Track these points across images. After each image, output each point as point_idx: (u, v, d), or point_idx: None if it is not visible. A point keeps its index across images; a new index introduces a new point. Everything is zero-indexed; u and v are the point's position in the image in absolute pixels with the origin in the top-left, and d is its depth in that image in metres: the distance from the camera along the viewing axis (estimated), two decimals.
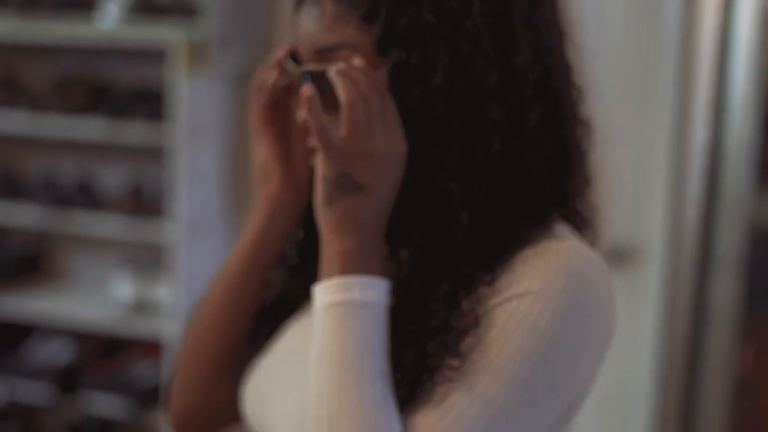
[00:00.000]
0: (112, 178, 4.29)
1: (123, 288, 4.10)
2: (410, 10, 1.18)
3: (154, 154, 4.09)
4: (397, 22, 1.19)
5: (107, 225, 4.04)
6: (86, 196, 4.16)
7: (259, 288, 1.43)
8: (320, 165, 1.19)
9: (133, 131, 3.91)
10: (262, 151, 1.38)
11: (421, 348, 1.15)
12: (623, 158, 3.47)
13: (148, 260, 4.21)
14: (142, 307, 4.09)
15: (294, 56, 1.29)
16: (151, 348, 4.18)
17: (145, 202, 4.08)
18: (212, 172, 4.08)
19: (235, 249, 1.43)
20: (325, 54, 1.22)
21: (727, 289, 3.74)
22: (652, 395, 3.66)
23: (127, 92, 4.10)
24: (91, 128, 3.96)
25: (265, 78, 1.33)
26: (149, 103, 3.97)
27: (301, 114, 1.30)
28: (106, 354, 4.28)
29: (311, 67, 1.23)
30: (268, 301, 1.45)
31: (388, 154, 1.18)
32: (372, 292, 1.16)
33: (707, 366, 3.78)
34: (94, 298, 4.30)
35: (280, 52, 1.31)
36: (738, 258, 3.74)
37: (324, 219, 1.19)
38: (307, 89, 1.17)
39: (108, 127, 3.93)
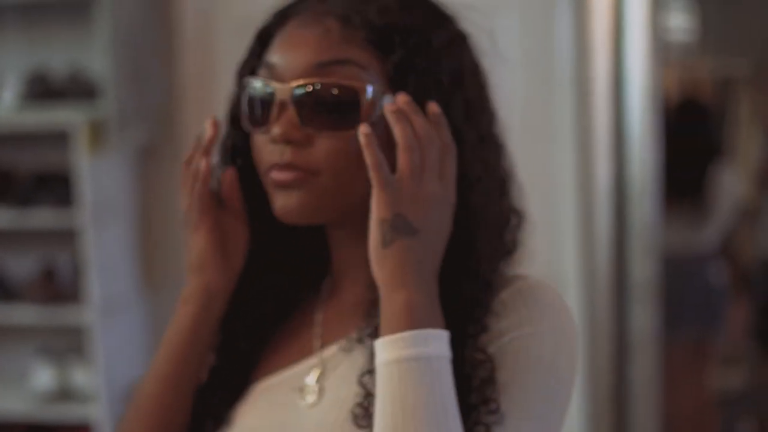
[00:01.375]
0: (23, 265, 4.23)
1: (43, 376, 4.04)
2: (425, 48, 1.23)
3: (63, 237, 4.04)
4: (414, 52, 1.22)
5: (21, 314, 4.00)
6: None
7: (195, 375, 1.37)
8: (375, 206, 1.17)
9: (40, 216, 3.88)
10: (199, 240, 1.34)
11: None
12: (532, 198, 3.49)
13: (66, 346, 4.16)
14: (64, 393, 4.03)
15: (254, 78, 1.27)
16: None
17: (58, 287, 4.04)
18: (123, 251, 4.05)
19: (166, 337, 1.36)
20: (326, 68, 1.21)
21: (644, 317, 3.79)
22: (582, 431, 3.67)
23: (31, 177, 4.06)
24: None
25: (199, 165, 1.31)
26: (54, 186, 3.94)
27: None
28: None
29: (306, 83, 1.21)
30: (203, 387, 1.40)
31: (441, 200, 1.18)
32: (443, 345, 1.14)
33: (634, 396, 3.82)
34: (14, 388, 4.23)
35: (209, 133, 1.32)
36: (651, 286, 3.79)
37: (381, 263, 1.16)
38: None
39: (14, 215, 3.90)
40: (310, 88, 1.20)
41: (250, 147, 1.29)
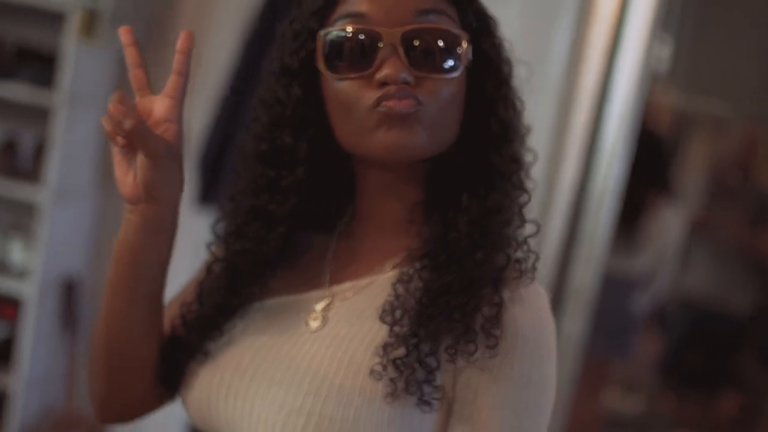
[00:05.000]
0: None
1: None
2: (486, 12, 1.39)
3: (33, 116, 4.07)
4: (481, 12, 1.39)
5: None
6: None
7: (149, 280, 1.39)
8: None
9: (15, 89, 3.89)
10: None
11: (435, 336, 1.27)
12: None
13: (12, 221, 4.19)
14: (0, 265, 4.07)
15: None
16: (3, 306, 4.14)
17: (17, 162, 4.06)
18: (88, 142, 4.08)
19: (115, 243, 1.37)
20: (426, 15, 1.29)
21: (573, 325, 3.89)
22: None
23: (14, 50, 4.07)
24: None
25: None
26: (34, 63, 3.95)
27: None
28: None
29: (415, 27, 1.29)
30: (209, 303, 1.44)
31: None
32: None
33: None
34: None
35: (182, 45, 1.33)
36: (588, 297, 3.88)
37: None
38: None
39: None
40: (418, 33, 1.28)
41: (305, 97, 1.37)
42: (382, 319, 1.29)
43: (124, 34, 1.32)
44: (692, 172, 7.12)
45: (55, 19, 3.89)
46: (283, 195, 1.39)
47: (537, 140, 3.56)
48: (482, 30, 1.36)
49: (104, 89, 4.05)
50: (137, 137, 1.23)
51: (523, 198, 1.38)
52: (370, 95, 1.28)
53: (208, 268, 1.47)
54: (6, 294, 4.04)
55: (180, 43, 1.32)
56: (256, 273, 1.43)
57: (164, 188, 1.30)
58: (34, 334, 3.99)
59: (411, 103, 1.27)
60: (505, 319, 1.27)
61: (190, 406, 1.42)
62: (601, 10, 3.73)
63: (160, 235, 1.35)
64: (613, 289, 4.91)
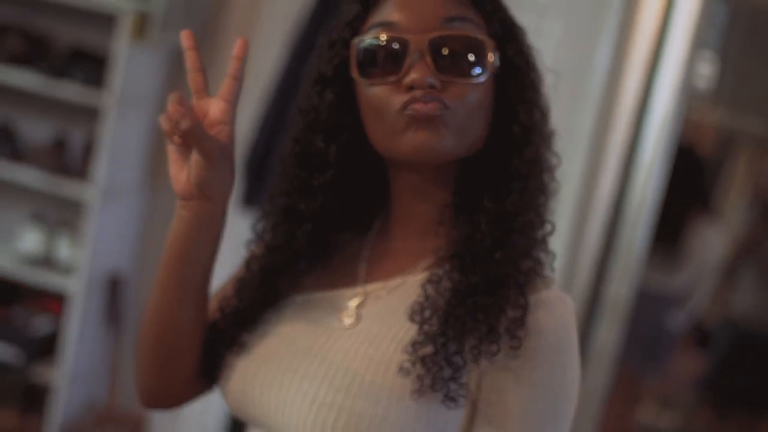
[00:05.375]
0: (37, 132, 4.34)
1: (31, 239, 4.15)
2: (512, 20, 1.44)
3: (83, 115, 4.16)
4: (508, 19, 1.43)
5: (24, 175, 4.10)
6: (8, 144, 4.21)
7: (196, 276, 1.45)
8: None
9: (67, 89, 3.98)
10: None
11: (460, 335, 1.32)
12: None
13: (60, 216, 4.28)
14: (46, 260, 4.16)
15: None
16: (50, 302, 4.24)
17: (66, 160, 4.15)
18: (137, 142, 4.17)
19: (166, 241, 1.43)
20: (452, 23, 1.36)
21: (608, 335, 3.90)
22: None
23: (67, 50, 4.17)
24: (24, 79, 4.02)
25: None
26: (86, 64, 4.04)
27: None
28: (3, 301, 4.32)
29: (442, 33, 1.35)
30: (245, 296, 1.50)
31: None
32: None
33: (579, 407, 3.95)
34: (2, 245, 4.36)
35: (238, 51, 1.38)
36: (623, 308, 3.90)
37: None
38: None
39: (43, 81, 3.99)
40: (444, 39, 1.35)
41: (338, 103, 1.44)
42: (411, 319, 1.34)
43: (185, 38, 1.37)
44: (736, 190, 7.07)
45: (107, 22, 4.00)
46: (312, 195, 1.45)
47: (576, 152, 3.65)
48: (508, 37, 1.41)
49: (154, 90, 4.14)
50: (193, 137, 1.30)
51: (544, 201, 1.43)
52: (399, 99, 1.34)
53: (246, 264, 1.54)
54: (52, 289, 4.14)
55: (236, 50, 1.38)
56: (289, 268, 1.49)
57: (216, 187, 1.36)
58: (79, 329, 4.09)
59: (437, 106, 1.33)
60: (529, 322, 1.32)
61: (228, 396, 1.48)
62: (643, 26, 3.76)
63: (209, 231, 1.41)
64: (651, 306, 4.90)
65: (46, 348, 4.16)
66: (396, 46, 1.35)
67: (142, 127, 4.18)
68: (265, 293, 1.50)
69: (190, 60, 1.37)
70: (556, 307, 1.36)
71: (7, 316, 4.21)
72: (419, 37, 1.34)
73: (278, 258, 1.49)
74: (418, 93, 1.33)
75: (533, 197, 1.40)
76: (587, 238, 3.78)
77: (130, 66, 3.92)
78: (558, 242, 3.71)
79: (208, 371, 1.53)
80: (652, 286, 4.89)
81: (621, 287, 3.92)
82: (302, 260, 1.50)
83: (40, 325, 4.18)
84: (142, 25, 3.89)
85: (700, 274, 5.10)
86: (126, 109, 3.98)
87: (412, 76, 1.33)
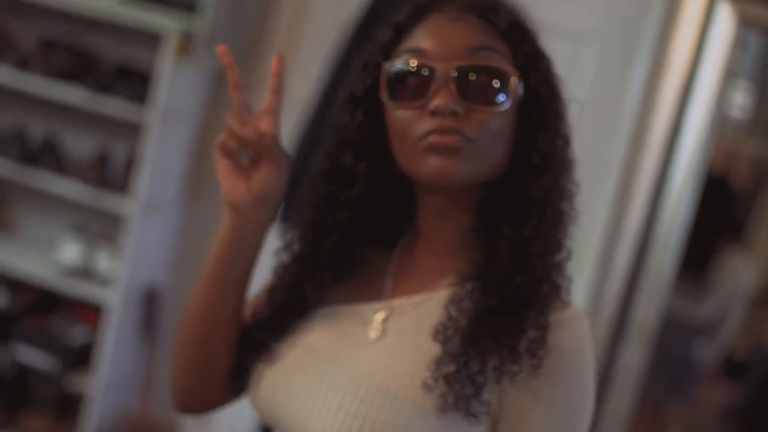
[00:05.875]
0: (81, 145, 4.45)
1: (70, 250, 4.25)
2: (540, 49, 1.50)
3: (127, 130, 4.26)
4: (536, 49, 1.48)
5: (67, 188, 4.20)
6: (52, 156, 4.31)
7: (237, 282, 1.54)
8: None
9: (112, 104, 4.08)
10: (221, 181, 1.47)
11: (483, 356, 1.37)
12: None
13: (100, 229, 4.38)
14: (85, 271, 4.25)
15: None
16: (87, 312, 4.34)
17: (108, 174, 4.25)
18: (177, 158, 4.27)
19: (210, 249, 1.53)
20: (478, 52, 1.42)
21: (633, 358, 3.94)
22: None
23: (113, 67, 4.28)
24: (70, 94, 4.12)
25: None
26: (132, 81, 4.15)
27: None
28: (42, 310, 4.42)
29: (468, 63, 1.42)
30: (274, 304, 1.57)
31: None
32: None
33: (602, 429, 3.98)
34: (41, 253, 4.46)
35: (274, 67, 1.47)
36: (649, 332, 3.93)
37: None
38: None
39: (89, 97, 4.10)
40: (469, 69, 1.41)
41: (368, 123, 1.51)
42: (434, 338, 1.40)
43: (222, 54, 1.45)
44: None
45: (153, 40, 4.10)
46: (339, 209, 1.52)
47: (608, 178, 3.70)
48: (533, 67, 1.46)
49: (196, 107, 4.23)
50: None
51: (562, 227, 1.47)
52: (422, 125, 1.41)
53: (275, 272, 1.60)
54: (90, 300, 4.23)
55: (273, 66, 1.46)
56: (315, 279, 1.55)
57: (276, 196, 1.47)
58: (115, 340, 4.18)
59: (454, 139, 1.39)
60: (551, 343, 1.37)
61: (257, 404, 1.53)
62: (676, 55, 3.81)
63: (255, 237, 1.50)
64: (678, 334, 4.93)
65: (82, 357, 4.25)
66: (424, 72, 1.42)
67: (183, 143, 4.27)
68: (293, 302, 1.56)
69: (231, 78, 1.45)
70: (574, 326, 1.41)
71: (45, 325, 4.29)
72: (446, 65, 1.41)
73: (304, 268, 1.55)
74: (438, 122, 1.39)
75: (551, 224, 1.44)
76: (616, 263, 3.82)
77: (174, 83, 4.02)
78: (587, 266, 3.78)
79: (239, 376, 1.58)
80: (679, 314, 4.90)
81: (648, 312, 3.96)
82: (328, 271, 1.55)
83: (77, 334, 4.27)
84: (187, 44, 3.99)
85: (728, 304, 5.10)
86: (168, 126, 4.08)
87: (436, 102, 1.39)
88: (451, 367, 1.35)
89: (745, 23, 4.03)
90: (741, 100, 7.02)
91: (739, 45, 4.08)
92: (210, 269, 1.52)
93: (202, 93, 4.26)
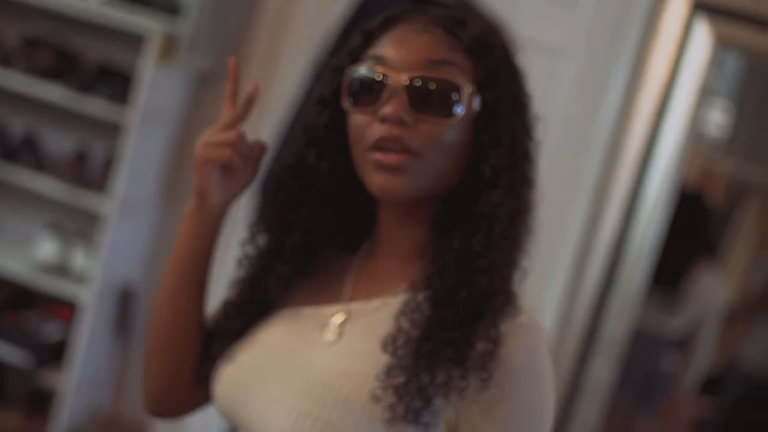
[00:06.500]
0: (61, 143, 4.47)
1: (47, 247, 4.26)
2: (507, 66, 1.50)
3: (106, 130, 4.28)
4: (500, 65, 1.49)
5: (45, 185, 4.22)
6: (31, 154, 4.33)
7: (198, 282, 1.59)
8: None
9: (92, 104, 4.10)
10: (204, 174, 1.53)
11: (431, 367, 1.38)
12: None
13: (77, 227, 4.40)
14: (60, 268, 4.27)
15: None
16: (61, 309, 4.35)
17: (86, 173, 4.27)
18: (155, 158, 4.29)
19: (172, 251, 1.58)
20: (435, 65, 1.44)
21: (603, 371, 3.96)
22: None
23: (95, 67, 4.30)
24: (51, 92, 4.14)
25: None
26: (113, 81, 4.17)
27: None
28: (17, 306, 4.43)
29: (421, 75, 1.44)
30: (234, 298, 1.61)
31: None
32: None
33: None
34: (17, 250, 4.48)
35: (248, 99, 1.53)
36: (619, 346, 3.96)
37: None
38: None
39: (70, 96, 4.12)
40: (422, 80, 1.43)
41: (333, 124, 1.54)
42: (383, 349, 1.41)
43: (232, 65, 1.54)
44: (744, 240, 7.07)
45: (136, 41, 4.12)
46: (302, 205, 1.56)
47: (581, 193, 3.72)
48: (493, 82, 1.47)
49: (176, 109, 4.26)
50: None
51: (512, 243, 1.47)
52: (372, 132, 1.44)
53: (239, 264, 1.62)
54: (65, 297, 4.25)
55: (251, 93, 1.53)
56: (278, 273, 1.58)
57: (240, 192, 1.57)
58: (89, 337, 4.19)
59: (398, 159, 1.42)
60: (502, 353, 1.38)
61: (217, 403, 1.56)
62: (653, 74, 3.85)
63: (217, 232, 1.58)
64: (647, 347, 4.95)
65: (55, 353, 4.26)
66: (379, 79, 1.44)
67: (162, 144, 4.29)
68: (256, 295, 1.58)
69: (228, 88, 1.53)
70: (527, 334, 1.41)
71: (19, 320, 4.30)
72: (400, 74, 1.43)
73: (268, 262, 1.58)
74: (386, 129, 1.42)
75: (500, 239, 1.44)
76: (587, 277, 3.85)
77: (155, 85, 4.04)
78: (559, 279, 3.79)
79: (205, 375, 1.60)
80: (649, 327, 4.93)
81: (618, 326, 3.98)
82: (291, 266, 1.57)
83: (51, 331, 4.28)
84: (169, 47, 4.01)
85: (700, 320, 5.14)
86: (147, 127, 4.10)
87: (386, 109, 1.41)
88: (400, 379, 1.36)
89: (722, 43, 4.08)
90: (719, 120, 7.06)
91: (717, 65, 4.12)
92: (179, 265, 1.56)
93: (183, 95, 4.29)
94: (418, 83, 1.43)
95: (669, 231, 4.56)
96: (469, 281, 1.41)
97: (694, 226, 5.09)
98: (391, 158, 1.41)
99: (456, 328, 1.39)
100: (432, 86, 1.43)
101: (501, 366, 1.37)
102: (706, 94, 4.14)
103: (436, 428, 1.38)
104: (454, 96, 1.43)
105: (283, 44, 4.15)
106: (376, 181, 1.44)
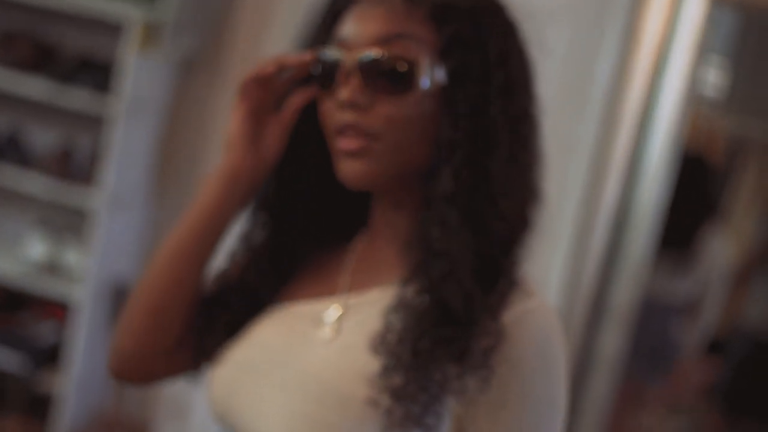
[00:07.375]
0: (45, 139, 4.37)
1: (37, 246, 4.18)
2: (476, 28, 1.36)
3: (90, 122, 4.18)
4: (466, 30, 1.35)
5: (31, 183, 4.13)
6: (15, 151, 4.24)
7: (208, 254, 1.48)
8: None
9: (75, 96, 4.01)
10: (234, 120, 1.46)
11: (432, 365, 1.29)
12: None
13: (66, 224, 4.30)
14: (52, 268, 4.18)
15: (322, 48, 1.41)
16: (55, 309, 4.26)
17: (73, 167, 4.18)
18: (143, 149, 4.19)
19: (187, 213, 1.47)
20: (389, 41, 1.34)
21: (613, 340, 3.90)
22: None
23: (75, 58, 4.20)
24: (32, 86, 4.05)
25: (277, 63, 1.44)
26: (94, 72, 4.08)
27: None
28: (9, 308, 4.35)
29: (371, 53, 1.34)
30: (224, 289, 1.52)
31: None
32: None
33: (584, 414, 3.95)
34: (6, 250, 4.39)
35: (306, 56, 1.43)
36: (628, 313, 3.90)
37: None
38: None
39: (51, 89, 4.03)
40: (373, 57, 1.34)
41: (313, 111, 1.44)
42: (374, 350, 1.32)
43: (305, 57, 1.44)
44: (746, 198, 7.05)
45: (116, 30, 4.02)
46: (294, 196, 1.49)
47: (581, 159, 3.65)
48: (454, 48, 1.36)
49: (160, 98, 4.16)
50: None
51: (472, 223, 1.35)
52: (334, 119, 1.37)
53: (232, 258, 1.54)
54: (58, 297, 4.16)
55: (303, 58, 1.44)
56: (271, 270, 1.51)
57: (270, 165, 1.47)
58: (84, 337, 4.11)
59: (356, 143, 1.34)
60: (506, 348, 1.29)
61: (212, 405, 1.48)
62: (648, 33, 3.77)
63: (236, 203, 1.47)
64: (655, 314, 4.91)
65: (51, 355, 4.18)
66: (333, 61, 1.38)
67: (149, 134, 4.19)
68: (250, 288, 1.51)
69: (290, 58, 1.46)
70: (531, 322, 1.32)
71: (12, 323, 4.23)
72: (353, 54, 1.35)
73: (260, 257, 1.51)
74: (341, 115, 1.35)
75: (456, 221, 1.34)
76: (592, 246, 3.79)
77: (138, 74, 3.94)
78: (562, 249, 3.73)
79: (198, 348, 1.52)
80: (658, 294, 4.88)
81: (625, 295, 3.92)
82: (284, 262, 1.51)
83: (46, 332, 4.20)
84: (150, 35, 3.91)
85: (706, 282, 5.10)
86: (133, 117, 4.00)
87: (342, 93, 1.35)
88: (398, 380, 1.28)
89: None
90: (715, 78, 7.00)
91: (712, 21, 4.03)
92: (188, 218, 1.46)
93: (168, 84, 4.19)
94: (368, 62, 1.34)
95: (674, 194, 4.48)
96: (453, 267, 1.31)
97: (697, 189, 5.04)
98: (351, 144, 1.34)
99: (449, 324, 1.29)
100: (383, 64, 1.34)
101: (506, 362, 1.28)
102: (703, 52, 4.04)
103: (440, 429, 1.30)
104: (410, 71, 1.34)
105: (266, 29, 4.06)
106: (343, 170, 1.37)
